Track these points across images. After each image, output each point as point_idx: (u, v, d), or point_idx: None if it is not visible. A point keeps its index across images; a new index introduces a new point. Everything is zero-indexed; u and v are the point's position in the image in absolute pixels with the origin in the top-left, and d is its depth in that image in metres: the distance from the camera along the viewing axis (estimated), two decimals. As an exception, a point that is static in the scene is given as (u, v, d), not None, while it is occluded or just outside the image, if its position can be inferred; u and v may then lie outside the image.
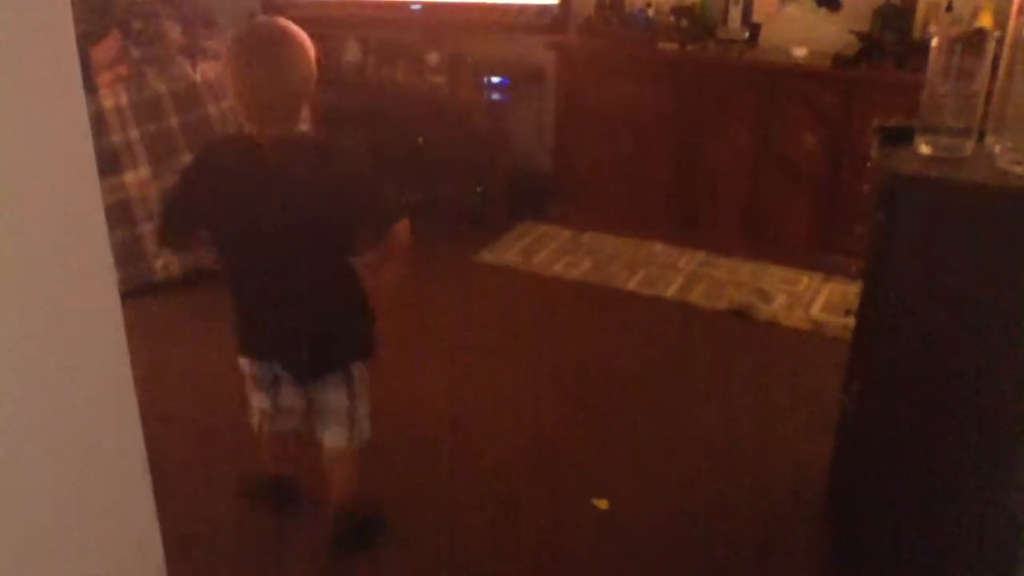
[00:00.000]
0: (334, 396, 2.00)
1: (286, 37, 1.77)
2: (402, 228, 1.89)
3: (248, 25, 1.82)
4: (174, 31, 3.46)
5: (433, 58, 3.96)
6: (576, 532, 2.16)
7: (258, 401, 2.04)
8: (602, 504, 2.24)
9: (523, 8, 3.93)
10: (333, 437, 2.03)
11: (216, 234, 1.90)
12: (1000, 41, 1.63)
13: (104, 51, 3.24)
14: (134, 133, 3.21)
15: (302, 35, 1.80)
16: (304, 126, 2.04)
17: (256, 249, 1.86)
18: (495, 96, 3.93)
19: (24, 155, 0.80)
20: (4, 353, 0.81)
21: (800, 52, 3.46)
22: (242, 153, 1.84)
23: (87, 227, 0.87)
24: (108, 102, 3.18)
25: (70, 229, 0.86)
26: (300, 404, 2.02)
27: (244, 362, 2.02)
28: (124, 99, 3.22)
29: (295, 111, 1.81)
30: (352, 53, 4.17)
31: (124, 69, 3.25)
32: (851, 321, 2.03)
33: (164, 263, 3.26)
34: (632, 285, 3.45)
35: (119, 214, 3.14)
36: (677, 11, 3.76)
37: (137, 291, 3.08)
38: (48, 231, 0.83)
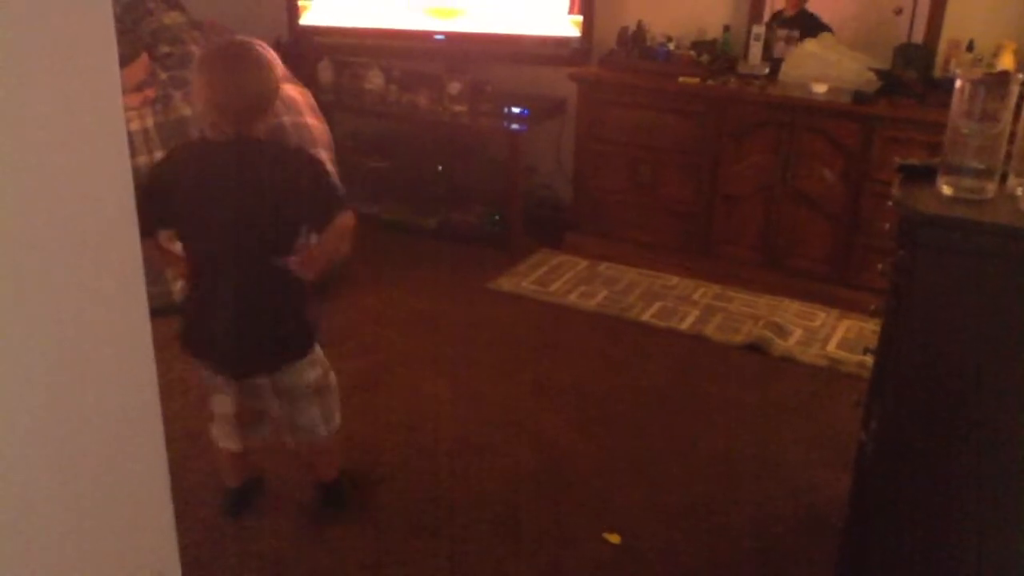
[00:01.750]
0: (275, 406, 2.15)
1: (248, 54, 1.95)
2: (347, 217, 2.03)
3: (217, 42, 2.01)
4: (201, 55, 3.52)
5: (455, 87, 4.00)
6: (588, 566, 2.15)
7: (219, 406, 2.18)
8: (614, 538, 2.23)
9: (545, 40, 3.97)
10: (289, 443, 2.24)
11: (181, 231, 2.05)
12: (1023, 83, 1.64)
13: (132, 74, 3.30)
14: (159, 155, 3.25)
15: (264, 56, 1.97)
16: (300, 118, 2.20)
17: (212, 244, 2.01)
18: (515, 126, 3.97)
19: (64, 175, 0.81)
20: (35, 368, 0.82)
21: (820, 88, 3.48)
22: (203, 153, 2.04)
23: (121, 244, 0.89)
24: (135, 124, 3.23)
25: (105, 246, 0.87)
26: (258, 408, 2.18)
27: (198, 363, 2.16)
28: (150, 121, 3.27)
29: (253, 119, 1.96)
30: (375, 80, 4.22)
31: (151, 91, 3.29)
32: (868, 359, 2.02)
33: (182, 285, 3.28)
34: (647, 317, 3.45)
35: (141, 234, 3.17)
36: (698, 46, 3.79)
37: (156, 311, 3.10)
38: (84, 248, 0.85)
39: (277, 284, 2.03)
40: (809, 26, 3.70)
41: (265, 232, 1.99)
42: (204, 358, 2.11)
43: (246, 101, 1.93)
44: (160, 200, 1.97)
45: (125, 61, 3.31)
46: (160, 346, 1.01)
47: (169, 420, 2.69)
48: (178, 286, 3.27)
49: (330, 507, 2.31)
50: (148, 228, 2.03)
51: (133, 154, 3.19)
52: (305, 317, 2.13)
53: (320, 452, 2.28)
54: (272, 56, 2.00)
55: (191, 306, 2.14)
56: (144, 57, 3.38)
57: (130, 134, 3.21)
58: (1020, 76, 1.64)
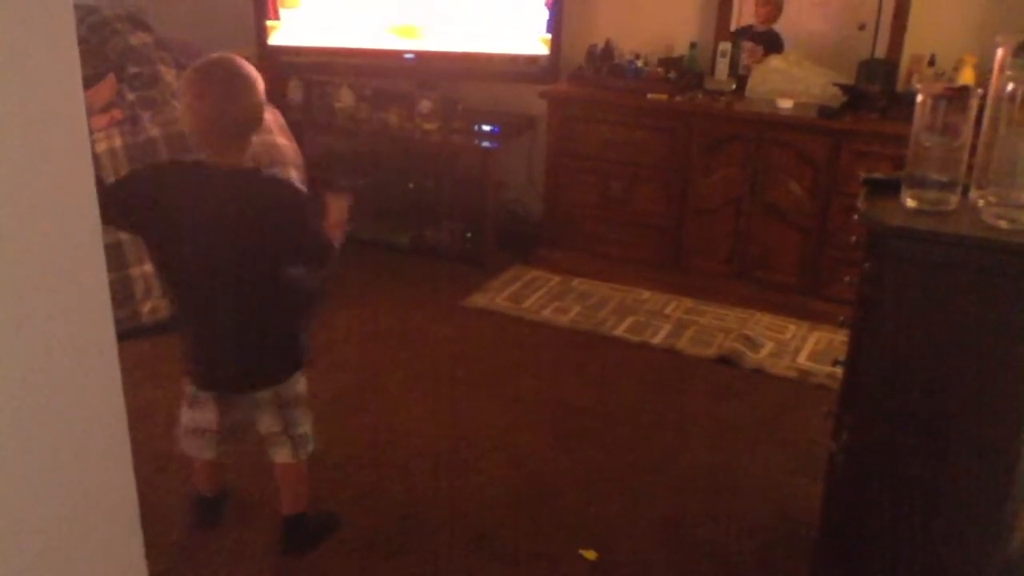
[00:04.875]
0: (267, 420, 2.11)
1: (235, 72, 1.93)
2: (330, 229, 2.12)
3: (202, 59, 1.96)
4: (169, 75, 3.49)
5: (425, 105, 4.01)
6: (565, 582, 2.15)
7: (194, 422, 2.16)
8: (590, 555, 2.22)
9: (514, 58, 3.99)
10: (282, 456, 2.16)
11: (151, 244, 2.07)
12: (983, 96, 1.67)
13: (99, 94, 3.27)
14: (146, 166, 3.22)
15: (251, 71, 1.96)
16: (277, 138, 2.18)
17: (197, 273, 2.00)
18: (486, 143, 3.98)
19: (27, 197, 0.81)
20: (1, 392, 0.81)
21: (786, 104, 3.53)
22: (188, 175, 2.00)
23: (87, 267, 0.88)
24: (102, 145, 3.20)
25: (71, 269, 0.86)
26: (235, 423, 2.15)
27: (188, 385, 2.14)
28: (118, 142, 3.24)
29: (241, 139, 1.95)
30: (346, 99, 4.21)
31: (119, 112, 3.27)
32: (838, 370, 2.04)
33: (152, 307, 3.25)
34: (620, 331, 3.46)
35: (110, 257, 3.13)
36: (665, 62, 3.83)
37: (125, 334, 3.06)
38: (48, 271, 0.84)
39: (267, 304, 2.05)
40: (774, 44, 3.77)
41: (250, 262, 1.99)
42: (208, 385, 2.10)
43: (242, 115, 1.92)
44: (131, 203, 1.99)
45: (91, 82, 3.29)
46: (128, 369, 1.00)
47: (138, 444, 2.66)
48: (147, 308, 3.24)
49: (296, 548, 2.21)
50: (114, 219, 2.00)
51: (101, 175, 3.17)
52: (299, 330, 2.15)
53: (295, 477, 2.21)
54: (255, 72, 1.98)
55: (183, 332, 2.13)
56: (110, 77, 3.35)
57: (98, 155, 3.18)
58: (980, 90, 1.67)
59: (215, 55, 1.97)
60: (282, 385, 2.10)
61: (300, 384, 2.15)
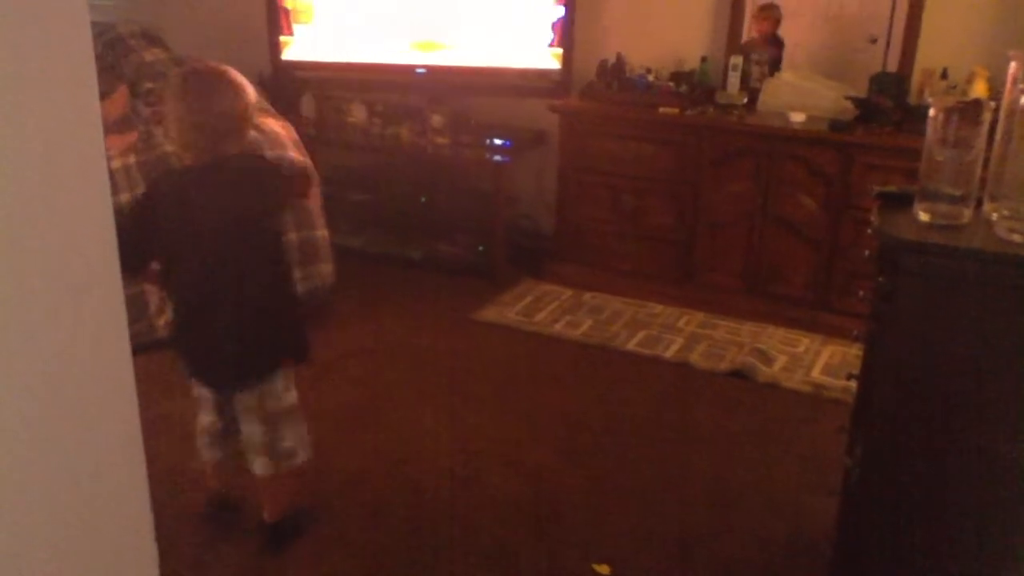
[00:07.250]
0: (250, 428, 2.15)
1: (221, 75, 1.99)
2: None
3: (184, 67, 2.03)
4: (183, 91, 3.52)
5: (437, 120, 4.03)
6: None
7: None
8: (603, 569, 2.21)
9: (525, 72, 4.01)
10: (260, 466, 2.19)
11: (165, 259, 2.09)
12: (996, 109, 1.67)
13: (111, 108, 3.29)
14: (141, 192, 3.25)
15: (233, 77, 2.00)
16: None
17: (202, 266, 2.03)
18: (497, 157, 3.99)
19: (44, 212, 0.81)
20: (16, 406, 0.82)
21: (798, 117, 3.52)
22: (177, 181, 2.06)
23: (103, 281, 0.89)
24: (116, 162, 3.22)
25: (86, 283, 0.87)
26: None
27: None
28: (132, 159, 3.26)
29: (230, 139, 1.98)
30: (358, 114, 4.24)
31: (133, 136, 3.29)
32: (852, 384, 2.03)
33: (167, 320, 3.26)
34: (632, 345, 3.46)
35: (123, 270, 3.15)
36: (677, 76, 3.84)
37: (140, 348, 3.08)
38: (65, 286, 0.84)
39: (269, 293, 2.11)
40: (773, 47, 3.78)
41: (254, 244, 2.06)
42: (200, 377, 2.16)
43: (223, 120, 1.96)
44: (146, 235, 2.00)
45: (103, 96, 3.31)
46: (143, 383, 1.01)
47: (152, 457, 2.66)
48: (162, 321, 3.25)
49: (272, 550, 2.24)
50: (138, 264, 2.06)
51: (115, 191, 3.19)
52: (301, 325, 2.22)
53: (276, 487, 2.25)
54: (243, 79, 2.02)
55: (183, 331, 2.16)
56: (123, 90, 3.38)
57: (112, 172, 3.20)
58: (992, 103, 1.67)
59: (198, 62, 2.03)
60: (269, 387, 2.12)
61: (289, 395, 2.17)
